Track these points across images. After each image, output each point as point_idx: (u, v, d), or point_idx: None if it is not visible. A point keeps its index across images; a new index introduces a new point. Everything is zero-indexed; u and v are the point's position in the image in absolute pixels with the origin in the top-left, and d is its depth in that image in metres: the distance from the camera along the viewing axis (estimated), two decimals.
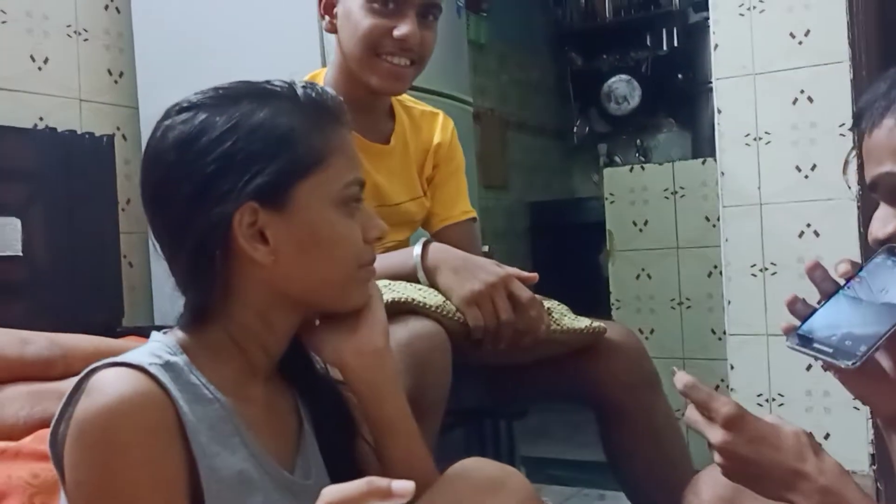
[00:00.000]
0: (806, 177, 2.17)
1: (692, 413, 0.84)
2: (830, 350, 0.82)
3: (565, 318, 1.40)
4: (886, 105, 0.85)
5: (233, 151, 0.84)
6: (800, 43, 2.17)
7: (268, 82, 0.90)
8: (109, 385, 0.78)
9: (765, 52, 2.22)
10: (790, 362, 2.20)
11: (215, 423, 0.83)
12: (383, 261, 1.36)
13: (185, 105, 0.88)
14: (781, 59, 2.19)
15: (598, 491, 2.55)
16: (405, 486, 0.63)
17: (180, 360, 0.84)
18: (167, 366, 0.82)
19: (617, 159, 4.17)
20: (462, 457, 0.95)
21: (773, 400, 2.23)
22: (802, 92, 2.17)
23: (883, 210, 0.88)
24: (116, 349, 1.63)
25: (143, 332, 1.87)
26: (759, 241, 2.24)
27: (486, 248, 3.10)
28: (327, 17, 1.48)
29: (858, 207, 2.05)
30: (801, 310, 0.87)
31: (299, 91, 0.90)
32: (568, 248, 3.72)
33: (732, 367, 2.29)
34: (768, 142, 2.22)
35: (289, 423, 0.94)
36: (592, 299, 3.01)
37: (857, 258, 0.89)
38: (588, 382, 1.42)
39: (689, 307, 2.76)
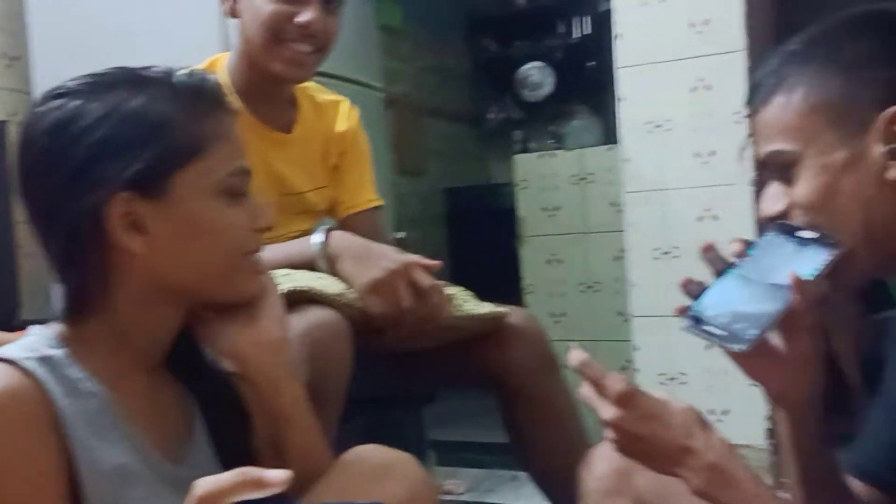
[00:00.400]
0: (705, 163, 2.24)
1: (586, 390, 0.85)
2: (723, 333, 0.82)
3: (467, 303, 1.42)
4: (777, 82, 0.85)
5: (106, 139, 0.82)
6: (699, 32, 2.24)
7: (145, 68, 0.88)
8: None
9: (665, 41, 2.27)
10: (691, 343, 2.24)
11: (94, 417, 0.82)
12: (283, 249, 1.35)
13: (59, 91, 0.85)
14: (681, 48, 2.25)
15: (511, 472, 2.59)
16: (279, 475, 0.63)
17: (59, 353, 0.83)
18: (44, 360, 0.81)
19: (532, 145, 4.21)
20: (368, 444, 0.96)
21: (675, 379, 2.30)
22: (701, 80, 2.24)
23: (773, 188, 0.88)
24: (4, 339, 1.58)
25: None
26: (661, 225, 2.30)
27: (401, 235, 3.11)
28: (228, 1, 1.45)
29: (754, 192, 2.13)
30: (695, 290, 0.88)
31: (177, 77, 0.88)
32: (484, 234, 3.75)
33: (637, 349, 2.36)
34: (669, 129, 2.28)
35: (176, 416, 0.93)
36: (508, 285, 3.06)
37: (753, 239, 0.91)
38: (490, 367, 1.44)
39: (597, 291, 2.82)
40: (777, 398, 0.89)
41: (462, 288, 1.46)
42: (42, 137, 0.83)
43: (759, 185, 0.92)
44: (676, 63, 2.26)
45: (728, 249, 0.89)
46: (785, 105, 0.84)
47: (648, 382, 2.33)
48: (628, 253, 2.35)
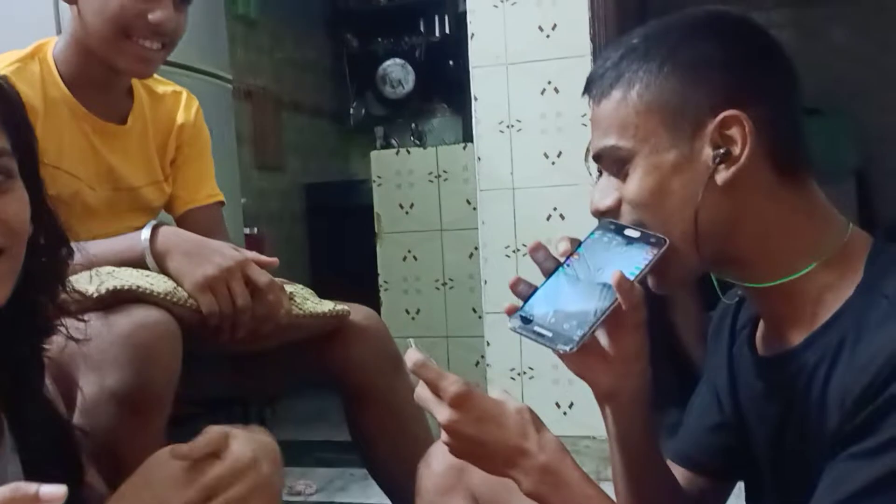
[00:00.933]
0: (553, 163, 2.31)
1: (422, 391, 0.84)
2: (550, 334, 0.82)
3: (308, 301, 1.40)
4: (616, 76, 0.85)
5: None
6: (547, 36, 2.30)
7: None
8: None
9: (516, 44, 2.32)
10: None
11: None
12: (110, 245, 1.28)
13: None
14: (532, 51, 2.31)
15: (363, 470, 2.59)
16: (54, 490, 0.59)
17: None
18: None
19: (393, 142, 4.22)
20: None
21: (524, 373, 2.36)
22: (550, 83, 2.30)
23: (604, 181, 0.88)
24: None
25: None
26: (512, 223, 2.35)
27: (254, 231, 3.04)
28: None
29: None
30: (525, 291, 0.87)
31: None
32: (344, 231, 3.73)
33: (489, 344, 2.40)
34: (520, 129, 2.33)
35: None
36: (366, 281, 3.05)
37: None
38: (332, 366, 1.42)
39: (451, 287, 2.85)
40: (604, 396, 0.90)
41: (302, 286, 1.44)
42: None
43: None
44: (527, 65, 2.32)
45: (557, 248, 0.89)
46: (621, 101, 0.83)
47: (499, 377, 2.38)
48: (482, 250, 2.39)
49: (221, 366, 1.43)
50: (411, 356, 0.84)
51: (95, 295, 1.15)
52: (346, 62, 4.34)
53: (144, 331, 1.14)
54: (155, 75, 1.54)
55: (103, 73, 1.39)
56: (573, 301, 0.84)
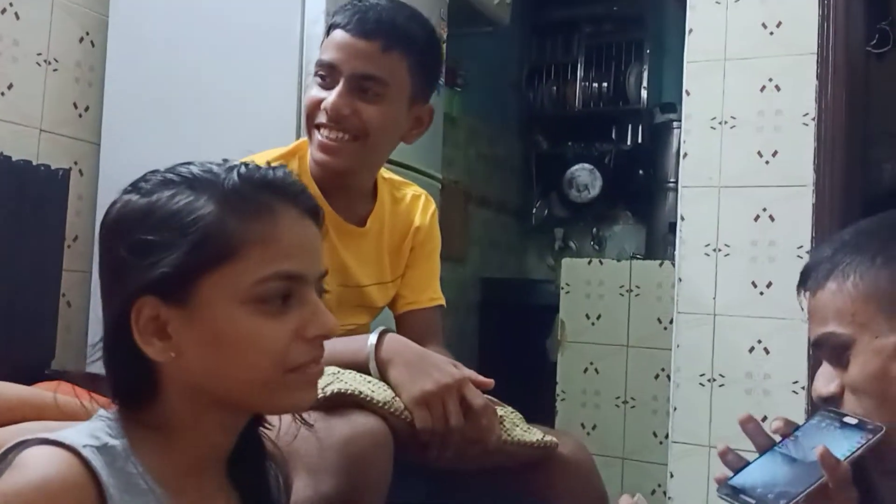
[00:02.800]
0: (761, 293, 2.20)
1: None
2: (753, 502, 0.85)
3: (517, 428, 1.35)
4: (830, 268, 0.90)
5: (142, 239, 0.79)
6: (767, 163, 2.22)
7: (214, 164, 0.86)
8: (38, 464, 0.72)
9: (731, 167, 2.26)
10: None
11: None
12: (336, 345, 1.30)
13: (130, 184, 0.85)
14: (748, 176, 2.24)
15: None
16: None
17: (119, 444, 0.79)
18: (104, 448, 0.77)
19: (572, 245, 4.21)
20: None
21: None
22: (765, 210, 2.21)
23: (826, 368, 0.92)
24: (40, 402, 1.54)
25: (71, 379, 1.78)
26: (710, 351, 2.25)
27: None
28: None
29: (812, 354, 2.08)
30: (733, 461, 0.91)
31: (226, 174, 0.83)
32: (516, 328, 3.71)
33: (672, 476, 2.28)
34: (727, 254, 2.25)
35: None
36: (536, 384, 3.00)
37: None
38: (535, 496, 1.36)
39: (633, 406, 2.75)
40: None
41: (512, 409, 1.39)
42: (103, 230, 0.84)
43: (815, 364, 0.96)
44: (741, 189, 2.25)
45: (771, 427, 0.93)
46: (837, 291, 0.89)
47: None
48: (674, 375, 2.29)
49: (419, 477, 1.41)
50: None
51: (320, 396, 1.15)
52: (535, 163, 4.40)
53: (363, 438, 1.15)
54: (398, 178, 1.59)
55: (348, 188, 1.44)
56: (784, 479, 0.87)
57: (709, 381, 2.24)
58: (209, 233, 0.78)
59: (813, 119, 2.17)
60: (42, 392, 1.56)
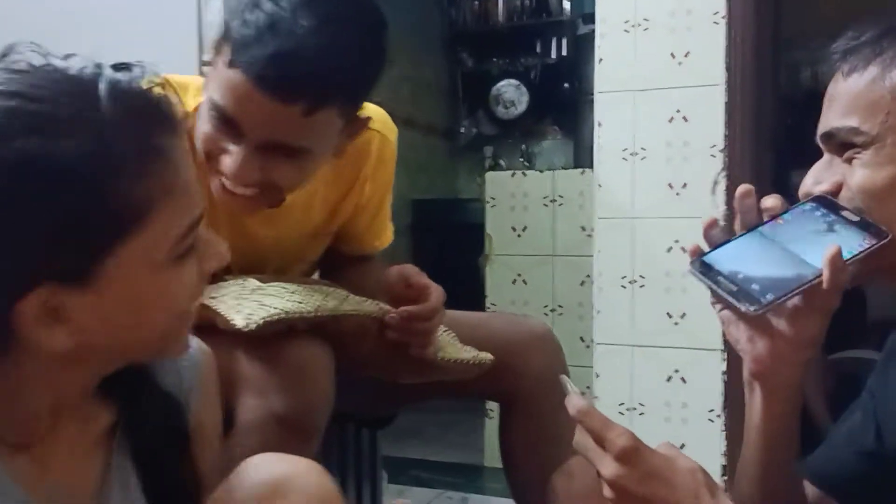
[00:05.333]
0: (677, 194, 2.24)
1: (584, 440, 0.78)
2: (733, 288, 0.79)
3: (450, 346, 1.36)
4: (873, 54, 0.79)
5: (11, 219, 0.62)
6: (679, 63, 2.23)
7: (68, 72, 0.66)
8: None
9: (645, 70, 2.26)
10: (652, 374, 2.26)
11: None
12: None
13: None
14: (661, 78, 2.25)
15: (462, 494, 2.56)
16: None
17: None
18: None
19: (501, 163, 4.21)
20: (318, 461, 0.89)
21: (634, 409, 2.29)
22: (678, 111, 2.23)
23: (824, 163, 0.84)
24: None
25: None
26: (630, 253, 2.28)
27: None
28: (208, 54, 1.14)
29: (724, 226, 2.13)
30: (716, 237, 0.84)
31: (106, 102, 0.64)
32: (448, 249, 3.72)
33: (598, 376, 2.34)
34: (644, 157, 2.27)
35: (96, 458, 0.80)
36: (470, 301, 3.02)
37: None
38: (505, 375, 1.35)
39: (560, 314, 2.80)
40: (758, 374, 0.84)
41: (445, 328, 1.36)
42: None
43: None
44: (655, 92, 2.26)
45: (763, 204, 0.84)
46: (876, 79, 0.78)
47: (607, 411, 2.30)
48: (596, 279, 2.33)
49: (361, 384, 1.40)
50: (575, 402, 0.79)
51: (253, 325, 1.11)
52: (460, 81, 4.36)
53: (303, 356, 1.14)
54: None
55: None
56: (766, 265, 0.79)
57: (630, 282, 2.29)
58: (104, 203, 0.63)
59: (724, 17, 2.18)
60: None
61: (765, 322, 0.81)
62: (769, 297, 0.77)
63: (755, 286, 0.78)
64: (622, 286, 2.29)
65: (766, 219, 0.84)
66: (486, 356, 1.34)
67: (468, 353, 1.34)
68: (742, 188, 0.85)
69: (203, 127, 1.11)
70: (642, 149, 2.27)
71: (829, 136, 0.83)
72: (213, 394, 0.91)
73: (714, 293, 0.81)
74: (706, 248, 0.84)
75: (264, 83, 1.02)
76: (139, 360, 0.79)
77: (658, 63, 2.25)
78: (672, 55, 2.24)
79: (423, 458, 2.84)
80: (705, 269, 0.81)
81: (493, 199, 2.90)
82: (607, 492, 0.78)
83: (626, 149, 2.29)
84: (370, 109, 1.26)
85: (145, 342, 0.73)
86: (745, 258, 0.81)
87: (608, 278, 2.31)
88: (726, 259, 0.81)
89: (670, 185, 2.24)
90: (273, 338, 1.14)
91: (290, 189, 1.17)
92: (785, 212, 0.83)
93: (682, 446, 2.21)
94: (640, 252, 2.28)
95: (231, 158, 1.09)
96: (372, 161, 1.36)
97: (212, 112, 1.09)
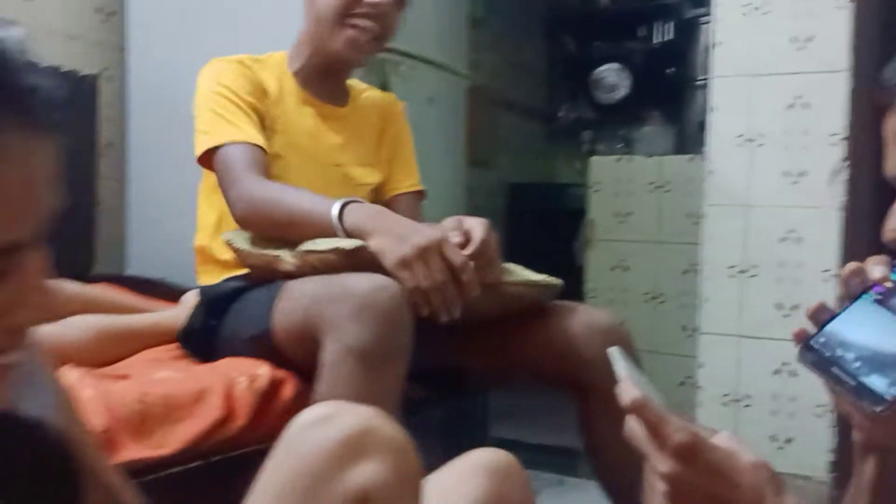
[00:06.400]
0: (794, 182, 2.18)
1: (637, 430, 0.72)
2: (852, 383, 0.69)
3: (518, 271, 1.44)
4: None
5: None
6: (800, 48, 2.17)
7: None
8: None
9: (764, 55, 2.21)
10: (759, 365, 2.21)
11: None
12: (303, 202, 1.38)
13: None
14: (781, 63, 2.19)
15: (558, 476, 2.56)
16: None
17: None
18: None
19: (600, 148, 4.16)
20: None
21: (739, 401, 2.25)
22: (799, 97, 2.17)
23: None
24: (92, 298, 1.60)
25: (113, 280, 1.83)
26: (741, 242, 2.24)
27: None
28: None
29: (843, 217, 2.07)
30: (825, 319, 0.75)
31: None
32: (545, 233, 3.71)
33: (702, 366, 2.31)
34: (760, 144, 2.22)
35: None
36: (565, 285, 3.01)
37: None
38: (574, 367, 1.41)
39: (662, 302, 2.77)
40: (871, 447, 0.80)
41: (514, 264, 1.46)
42: None
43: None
44: (774, 77, 2.20)
45: (869, 270, 0.76)
46: None
47: (711, 401, 2.28)
48: (704, 267, 2.30)
49: (447, 339, 1.45)
50: (629, 393, 0.71)
51: (350, 248, 1.28)
52: (562, 64, 4.32)
53: (382, 293, 1.21)
54: (364, 85, 1.72)
55: (323, 62, 1.58)
56: (885, 343, 0.70)
57: (739, 272, 2.24)
58: None
59: (849, 1, 2.11)
60: (95, 289, 1.62)
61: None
62: (894, 391, 0.67)
63: (876, 378, 0.68)
64: (730, 275, 2.25)
65: (874, 286, 0.74)
66: (556, 280, 1.45)
67: (537, 276, 1.42)
68: (849, 267, 0.76)
69: None
70: (759, 135, 2.22)
71: None
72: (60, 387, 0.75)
73: (830, 388, 0.73)
74: (812, 329, 0.74)
75: None
76: None
77: (778, 48, 2.19)
78: (793, 40, 2.18)
79: (518, 440, 2.85)
80: (816, 358, 0.71)
81: (598, 183, 2.88)
82: (661, 486, 0.72)
83: (740, 135, 2.24)
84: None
85: None
86: (858, 337, 0.71)
87: (716, 267, 2.28)
88: (837, 342, 0.71)
89: (787, 174, 2.19)
90: (352, 276, 1.23)
91: (389, 39, 1.60)
92: (893, 273, 0.74)
93: (789, 441, 2.17)
94: (753, 241, 2.23)
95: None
96: (392, 101, 1.77)
97: None
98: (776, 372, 2.19)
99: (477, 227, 1.35)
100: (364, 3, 1.50)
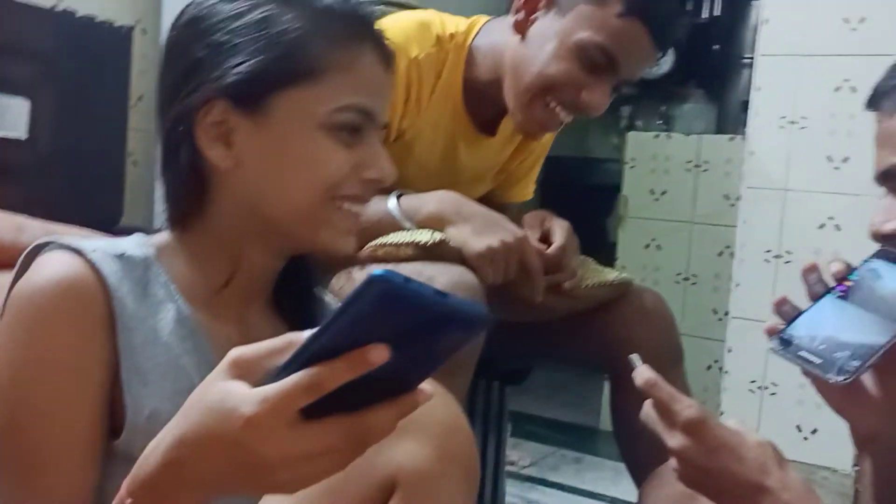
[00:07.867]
0: (836, 168, 2.12)
1: (650, 411, 0.79)
2: (818, 360, 0.78)
3: (591, 272, 1.37)
4: None
5: (222, 41, 0.77)
6: (853, 30, 2.09)
7: None
8: (48, 266, 0.74)
9: (813, 35, 2.13)
10: None
11: (169, 325, 0.77)
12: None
13: None
14: (830, 44, 2.11)
15: (575, 453, 2.55)
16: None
17: (143, 253, 0.79)
18: (122, 258, 0.77)
19: (638, 124, 4.08)
20: None
21: (766, 388, 2.21)
22: (847, 81, 2.10)
23: (891, 201, 0.84)
24: None
25: (142, 232, 1.83)
26: (778, 226, 2.19)
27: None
28: (523, 13, 1.28)
29: None
30: (789, 311, 0.84)
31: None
32: (578, 208, 3.65)
33: (730, 350, 2.27)
34: (803, 127, 2.15)
35: None
36: (597, 261, 2.97)
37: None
38: (611, 347, 1.35)
39: (693, 283, 2.72)
40: (864, 438, 0.84)
41: (584, 257, 1.39)
42: (174, 31, 0.81)
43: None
44: (823, 59, 2.13)
45: (829, 269, 0.85)
46: None
47: (736, 387, 2.24)
48: (738, 250, 2.25)
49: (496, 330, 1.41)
50: (642, 373, 0.79)
51: (430, 243, 1.17)
52: None
53: (461, 289, 1.14)
54: None
55: (489, 95, 1.34)
56: (846, 330, 0.79)
57: (775, 257, 2.19)
58: (296, 48, 0.77)
59: None
60: (110, 237, 1.62)
61: (860, 388, 0.80)
62: (855, 363, 0.76)
63: (838, 354, 0.77)
64: (766, 260, 2.20)
65: (833, 283, 0.84)
66: (627, 277, 1.40)
67: (611, 274, 1.37)
68: (806, 266, 0.86)
69: (560, 63, 1.25)
70: (803, 118, 2.15)
71: (886, 175, 0.83)
72: None
73: (801, 367, 0.80)
74: (780, 323, 0.83)
75: (656, 31, 1.23)
76: (300, 246, 0.83)
77: (829, 28, 2.12)
78: (846, 20, 2.10)
79: (538, 415, 2.84)
80: (786, 346, 0.81)
81: (634, 159, 2.82)
82: (673, 463, 0.77)
83: (784, 116, 2.17)
84: None
85: (299, 212, 0.79)
86: (822, 327, 0.80)
87: (751, 250, 2.22)
88: (805, 332, 0.81)
89: (830, 158, 2.12)
90: (430, 267, 1.16)
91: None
92: (851, 273, 0.84)
93: (815, 431, 2.13)
94: (790, 226, 2.17)
95: (599, 91, 1.26)
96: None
97: (586, 52, 1.23)
98: None
99: (558, 230, 1.28)
100: (576, 93, 1.25)
